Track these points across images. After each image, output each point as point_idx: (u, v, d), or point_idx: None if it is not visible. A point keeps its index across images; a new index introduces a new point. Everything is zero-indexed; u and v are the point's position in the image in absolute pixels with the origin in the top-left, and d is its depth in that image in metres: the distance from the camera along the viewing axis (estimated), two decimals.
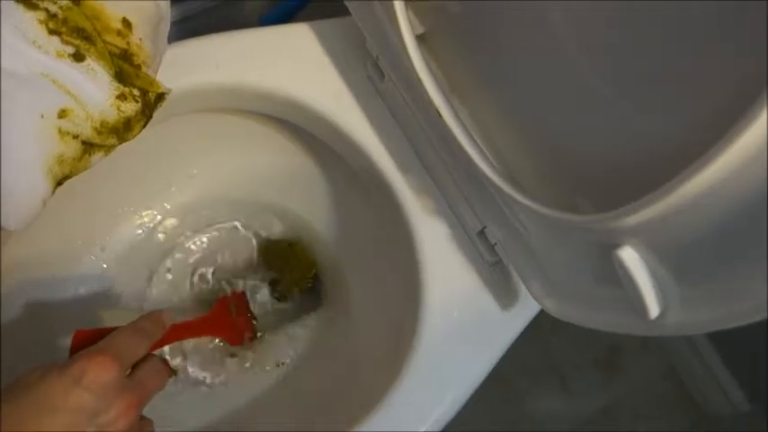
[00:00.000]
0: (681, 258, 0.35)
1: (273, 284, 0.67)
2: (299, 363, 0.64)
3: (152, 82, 0.42)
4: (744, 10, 0.31)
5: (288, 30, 0.57)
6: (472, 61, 0.50)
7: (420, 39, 0.50)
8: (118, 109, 0.39)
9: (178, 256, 0.66)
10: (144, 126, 0.42)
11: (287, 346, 0.65)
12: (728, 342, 0.87)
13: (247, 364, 0.64)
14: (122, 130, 0.40)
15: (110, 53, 0.39)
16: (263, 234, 0.68)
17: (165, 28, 0.45)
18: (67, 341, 0.52)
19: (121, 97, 0.39)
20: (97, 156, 0.40)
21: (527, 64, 0.46)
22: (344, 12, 0.55)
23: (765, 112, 0.26)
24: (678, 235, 0.34)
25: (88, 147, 0.39)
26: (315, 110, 0.55)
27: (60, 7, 0.37)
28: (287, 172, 0.66)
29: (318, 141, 0.59)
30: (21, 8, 0.35)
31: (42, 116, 0.36)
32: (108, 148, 0.41)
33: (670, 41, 0.36)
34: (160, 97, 0.43)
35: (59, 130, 0.37)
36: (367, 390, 0.54)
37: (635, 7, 0.37)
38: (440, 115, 0.46)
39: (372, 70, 0.54)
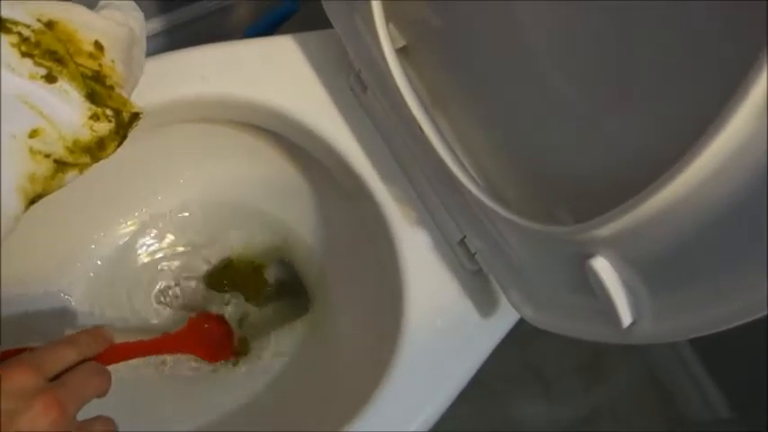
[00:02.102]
0: (652, 268, 0.36)
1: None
2: (285, 367, 0.65)
3: (125, 102, 0.42)
4: (711, 32, 0.32)
5: (273, 42, 0.58)
6: (452, 75, 0.51)
7: (401, 51, 0.51)
8: (91, 129, 0.40)
9: (162, 265, 0.67)
10: (119, 145, 0.43)
11: (273, 351, 0.66)
12: (710, 348, 0.88)
13: (234, 368, 0.65)
14: (96, 149, 0.41)
15: (82, 75, 0.40)
16: (237, 247, 0.69)
17: (140, 51, 0.46)
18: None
19: (94, 117, 0.40)
20: (71, 174, 0.41)
21: (505, 79, 0.47)
22: (328, 24, 0.56)
23: (724, 131, 0.27)
24: (649, 246, 0.35)
25: (61, 165, 0.40)
26: (299, 121, 0.56)
27: (33, 31, 0.38)
28: (273, 181, 0.66)
29: (304, 151, 0.60)
30: None
31: (14, 136, 0.37)
32: (82, 167, 0.41)
33: (640, 59, 0.37)
34: (135, 117, 0.43)
35: (30, 150, 0.38)
36: (351, 395, 0.55)
37: (608, 27, 0.38)
38: (421, 130, 0.47)
39: (355, 82, 0.55)
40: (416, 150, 0.52)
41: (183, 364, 0.64)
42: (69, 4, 0.41)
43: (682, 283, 0.35)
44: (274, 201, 0.67)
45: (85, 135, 0.40)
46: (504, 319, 0.53)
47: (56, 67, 0.38)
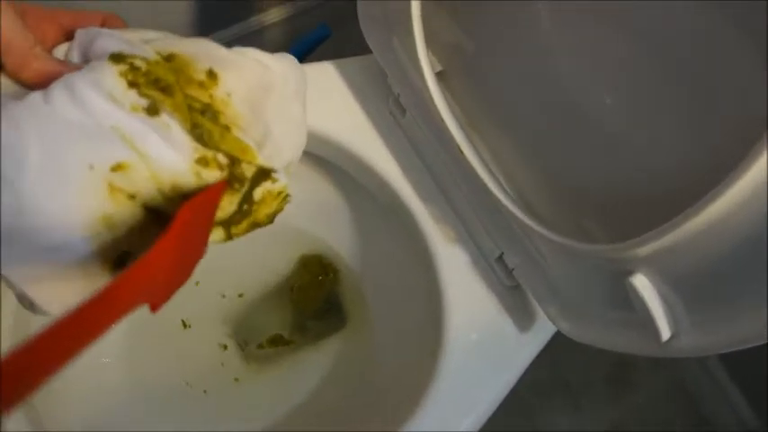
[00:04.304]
0: (690, 285, 0.37)
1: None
2: (321, 383, 0.67)
3: (244, 149, 0.34)
4: (746, 62, 0.34)
5: (313, 68, 0.60)
6: (487, 97, 0.53)
7: (439, 76, 0.53)
8: (197, 175, 0.32)
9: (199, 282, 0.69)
10: (242, 204, 0.35)
11: (308, 367, 0.67)
12: (738, 359, 0.89)
13: (267, 383, 0.67)
14: None
15: (189, 107, 0.33)
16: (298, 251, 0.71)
17: (280, 101, 0.37)
18: None
19: (202, 162, 0.33)
20: None
21: (538, 98, 0.49)
22: (361, 49, 0.59)
23: (765, 154, 0.28)
24: (687, 264, 0.36)
25: (155, 214, 0.33)
26: (339, 143, 0.59)
27: (148, 62, 0.33)
28: (312, 200, 0.68)
29: (342, 172, 0.62)
30: (105, 61, 0.32)
31: (91, 167, 0.31)
32: None
33: (679, 80, 0.39)
34: (262, 174, 0.35)
35: (110, 186, 0.31)
36: (390, 413, 0.56)
37: (642, 52, 0.40)
38: (461, 152, 0.49)
39: (394, 106, 0.58)
40: (455, 170, 0.54)
41: (212, 377, 0.66)
42: (198, 39, 0.36)
43: (718, 299, 0.36)
44: (314, 219, 0.70)
45: (190, 182, 0.32)
46: (541, 332, 0.54)
47: (159, 97, 0.32)
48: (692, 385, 0.91)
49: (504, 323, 0.54)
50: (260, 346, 0.68)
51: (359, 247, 0.69)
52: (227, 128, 0.33)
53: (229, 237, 0.36)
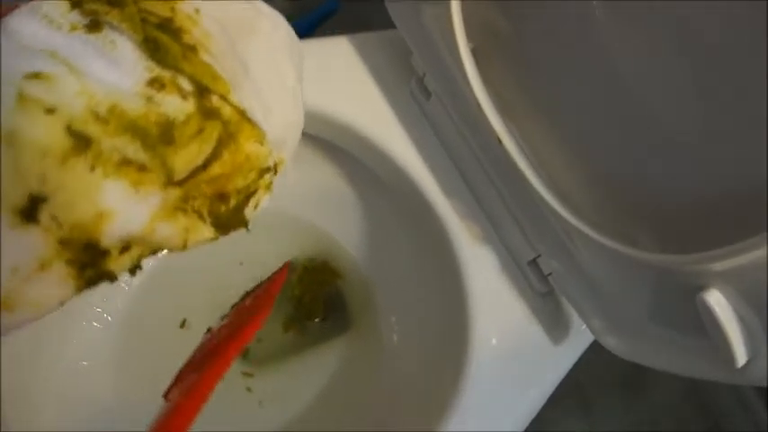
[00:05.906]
0: None
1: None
2: (323, 396, 0.60)
3: (216, 76, 0.27)
4: None
5: (324, 42, 0.54)
6: (527, 83, 0.47)
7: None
8: (149, 100, 0.25)
9: (200, 276, 0.63)
10: (218, 149, 0.27)
11: (309, 376, 0.61)
12: None
13: (267, 391, 0.61)
14: (155, 137, 0.25)
15: (143, 20, 0.27)
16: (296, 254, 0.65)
17: (268, 50, 0.31)
18: None
19: (156, 84, 0.25)
20: (105, 165, 0.24)
21: (586, 88, 0.43)
22: (370, 23, 0.53)
23: None
24: None
25: (83, 142, 0.24)
26: (351, 126, 0.52)
27: None
28: (316, 188, 0.62)
29: (353, 159, 0.56)
30: None
31: None
32: (131, 165, 0.25)
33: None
34: (239, 114, 0.27)
35: (20, 94, 0.23)
36: (404, 428, 0.51)
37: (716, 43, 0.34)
38: (499, 141, 0.43)
39: (417, 88, 0.51)
40: (486, 162, 0.48)
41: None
42: None
43: None
44: (317, 209, 0.63)
45: (136, 107, 0.25)
46: (576, 344, 0.49)
47: (104, 9, 0.26)
48: (706, 388, 0.87)
49: (535, 333, 0.49)
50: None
51: (369, 243, 0.63)
52: (192, 48, 0.27)
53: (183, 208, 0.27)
